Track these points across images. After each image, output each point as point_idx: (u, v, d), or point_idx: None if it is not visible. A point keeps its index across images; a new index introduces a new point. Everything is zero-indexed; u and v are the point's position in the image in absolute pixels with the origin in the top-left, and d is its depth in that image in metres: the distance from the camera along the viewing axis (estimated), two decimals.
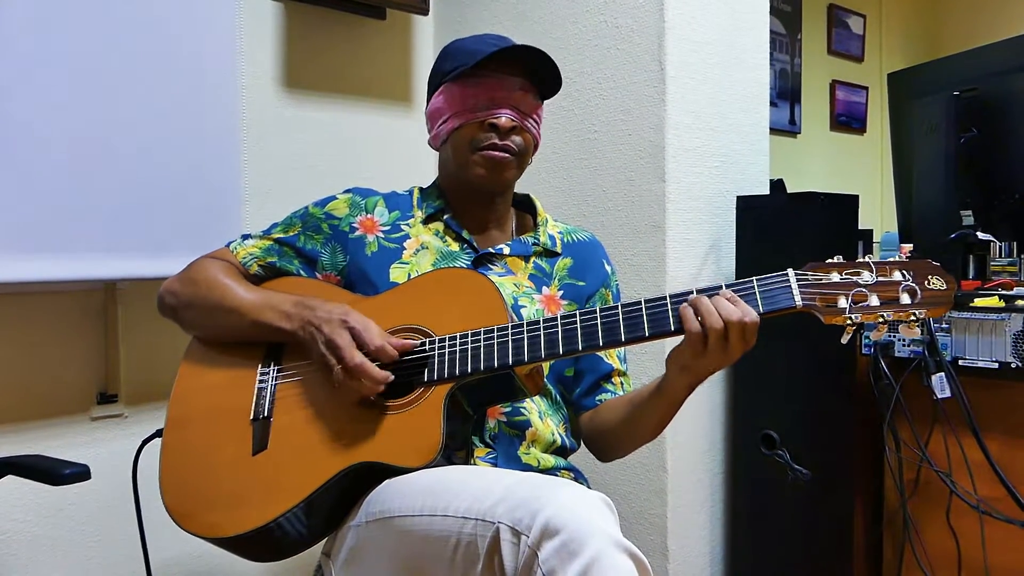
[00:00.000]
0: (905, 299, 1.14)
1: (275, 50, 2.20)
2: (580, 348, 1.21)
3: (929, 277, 1.15)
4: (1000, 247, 2.77)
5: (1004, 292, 2.07)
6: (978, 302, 2.00)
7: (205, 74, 1.89)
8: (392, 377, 1.24)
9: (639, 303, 1.20)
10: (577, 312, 1.22)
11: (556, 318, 1.23)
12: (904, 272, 1.16)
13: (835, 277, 1.16)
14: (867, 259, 1.18)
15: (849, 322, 1.15)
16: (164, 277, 1.49)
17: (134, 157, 1.77)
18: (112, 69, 1.74)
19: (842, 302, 1.14)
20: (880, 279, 1.15)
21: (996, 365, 1.94)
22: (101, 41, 1.73)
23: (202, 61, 1.89)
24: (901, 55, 5.02)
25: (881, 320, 1.14)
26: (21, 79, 1.63)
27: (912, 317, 1.14)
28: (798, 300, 1.15)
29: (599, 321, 1.20)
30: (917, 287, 1.14)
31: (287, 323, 1.31)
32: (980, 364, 1.96)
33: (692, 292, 1.18)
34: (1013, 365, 1.91)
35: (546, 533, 1.00)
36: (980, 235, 2.12)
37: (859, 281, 1.15)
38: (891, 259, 1.18)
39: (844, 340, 1.17)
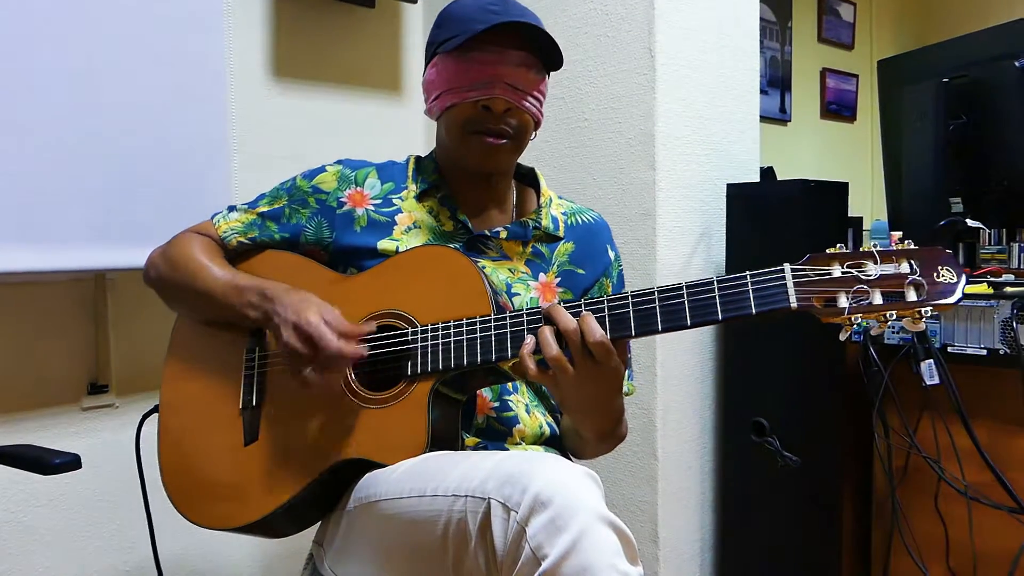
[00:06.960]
0: (911, 295, 1.04)
1: (263, 38, 2.18)
2: None
3: (939, 268, 1.05)
4: (989, 234, 2.78)
5: (993, 279, 2.08)
6: (967, 289, 2.00)
7: (193, 62, 1.88)
8: (367, 353, 1.21)
9: (625, 296, 1.13)
10: (563, 302, 1.18)
11: (540, 309, 1.17)
12: (912, 262, 1.05)
13: (836, 271, 1.06)
14: (873, 247, 1.07)
15: (849, 322, 1.05)
16: None
17: (122, 147, 1.76)
18: (99, 57, 1.73)
19: (842, 300, 1.04)
20: (885, 272, 1.05)
21: (985, 352, 1.95)
22: (87, 29, 1.71)
23: (190, 49, 1.88)
24: (891, 43, 5.02)
25: (883, 320, 1.05)
26: (4, 68, 1.61)
27: (917, 315, 1.04)
28: (793, 302, 1.05)
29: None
30: (924, 281, 1.04)
31: (252, 312, 1.29)
32: (969, 351, 1.97)
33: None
34: (1001, 352, 1.92)
35: (534, 509, 1.00)
36: (969, 222, 2.12)
37: (861, 276, 1.05)
38: (899, 247, 1.07)
39: (843, 337, 1.09)
